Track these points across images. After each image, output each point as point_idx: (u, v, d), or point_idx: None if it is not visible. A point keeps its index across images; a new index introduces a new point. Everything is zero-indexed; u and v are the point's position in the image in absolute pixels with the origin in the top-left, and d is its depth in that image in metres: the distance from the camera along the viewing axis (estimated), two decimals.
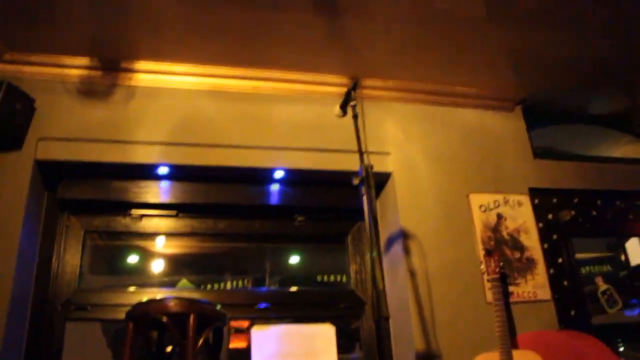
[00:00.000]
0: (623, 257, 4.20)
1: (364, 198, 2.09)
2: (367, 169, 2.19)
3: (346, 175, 2.48)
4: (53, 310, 3.07)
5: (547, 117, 4.32)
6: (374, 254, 2.01)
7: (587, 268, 4.82)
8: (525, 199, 3.73)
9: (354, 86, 2.42)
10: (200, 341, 2.35)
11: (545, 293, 3.50)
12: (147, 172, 3.31)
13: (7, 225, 2.89)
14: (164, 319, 2.31)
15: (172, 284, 3.88)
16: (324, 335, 3.15)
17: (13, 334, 2.81)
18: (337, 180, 3.31)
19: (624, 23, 3.36)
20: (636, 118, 4.55)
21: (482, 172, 3.72)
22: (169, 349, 2.64)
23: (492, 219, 3.58)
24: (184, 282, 3.99)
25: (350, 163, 2.68)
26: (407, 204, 3.43)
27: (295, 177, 3.49)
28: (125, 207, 3.38)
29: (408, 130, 3.70)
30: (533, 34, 3.39)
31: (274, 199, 3.48)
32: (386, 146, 3.59)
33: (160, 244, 3.75)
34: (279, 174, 3.43)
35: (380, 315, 1.84)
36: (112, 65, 3.34)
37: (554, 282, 3.58)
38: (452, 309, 3.21)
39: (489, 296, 3.20)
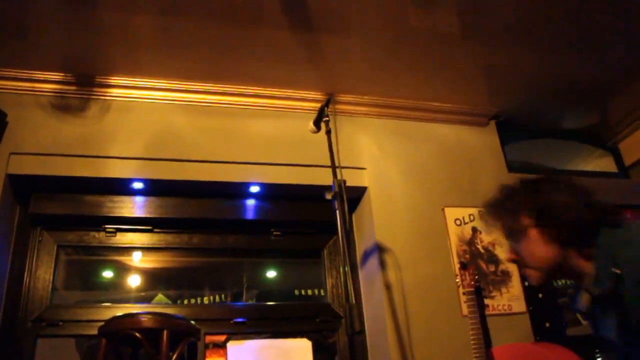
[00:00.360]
0: None
1: (337, 213, 2.09)
2: (340, 184, 2.20)
3: (322, 190, 2.48)
4: (23, 326, 3.02)
5: (521, 132, 4.39)
6: (346, 268, 2.01)
7: (563, 281, 4.88)
8: None
9: (327, 102, 2.45)
10: (174, 357, 2.33)
11: (520, 305, 3.53)
12: (121, 187, 3.29)
13: None
14: (137, 334, 2.29)
15: (148, 299, 3.84)
16: (300, 349, 3.14)
17: None
18: (313, 195, 3.31)
19: (595, 41, 3.44)
20: (606, 133, 4.65)
21: (457, 186, 3.75)
22: None
23: (467, 232, 3.61)
24: (160, 297, 3.95)
25: (325, 178, 2.70)
26: (383, 218, 3.45)
27: (270, 192, 3.49)
28: (99, 222, 3.34)
29: (383, 146, 3.73)
30: (507, 50, 3.45)
31: (250, 214, 3.47)
32: (361, 161, 3.61)
33: (135, 259, 3.72)
34: (254, 189, 3.43)
35: (352, 330, 1.85)
36: (86, 80, 3.32)
37: (529, 294, 3.61)
38: (428, 322, 3.22)
39: (465, 309, 3.22)
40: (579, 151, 4.74)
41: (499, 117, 4.16)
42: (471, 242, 3.59)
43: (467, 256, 3.50)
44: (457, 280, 3.27)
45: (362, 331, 1.91)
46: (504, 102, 4.03)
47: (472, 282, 3.13)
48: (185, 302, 3.81)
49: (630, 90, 4.07)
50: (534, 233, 1.64)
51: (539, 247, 1.63)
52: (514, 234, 1.70)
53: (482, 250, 3.59)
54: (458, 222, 3.62)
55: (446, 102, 3.94)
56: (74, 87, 3.31)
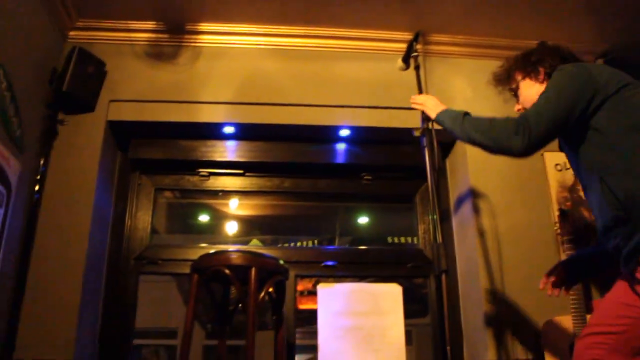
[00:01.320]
0: None
1: (425, 150, 2.01)
2: (428, 119, 2.11)
3: (412, 133, 2.41)
4: (127, 264, 3.21)
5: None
6: (434, 216, 1.94)
7: None
8: None
9: (416, 37, 2.34)
10: (262, 294, 2.38)
11: None
12: (213, 132, 3.36)
13: (83, 183, 3.01)
14: (227, 271, 2.36)
15: (243, 244, 3.96)
16: (390, 294, 3.11)
17: (91, 285, 2.95)
18: (404, 138, 3.22)
19: None
20: None
21: None
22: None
23: (569, 178, 3.40)
24: (255, 241, 4.05)
25: (417, 120, 2.60)
26: (478, 163, 3.31)
27: (360, 135, 3.43)
28: (193, 166, 3.45)
29: (478, 88, 3.54)
30: None
31: (340, 158, 3.45)
32: (455, 103, 3.43)
33: (229, 203, 3.82)
34: (344, 132, 3.39)
35: (439, 269, 1.79)
36: (177, 27, 3.39)
37: None
38: (522, 270, 3.08)
39: (564, 258, 3.05)
40: None
41: (608, 55, 3.82)
42: (573, 189, 3.37)
43: (568, 203, 3.30)
44: (556, 228, 3.09)
45: (448, 271, 1.83)
46: (613, 38, 3.69)
47: (573, 230, 2.94)
48: (279, 246, 3.89)
49: None
50: (524, 83, 2.15)
51: (530, 90, 2.12)
52: (514, 91, 2.22)
53: (584, 197, 3.37)
54: (559, 167, 3.41)
55: (547, 39, 3.66)
56: (166, 35, 3.39)
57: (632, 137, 1.72)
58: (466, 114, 2.09)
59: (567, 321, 2.70)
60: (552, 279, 2.19)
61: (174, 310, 5.99)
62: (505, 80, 2.25)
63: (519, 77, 2.17)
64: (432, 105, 2.14)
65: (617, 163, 1.71)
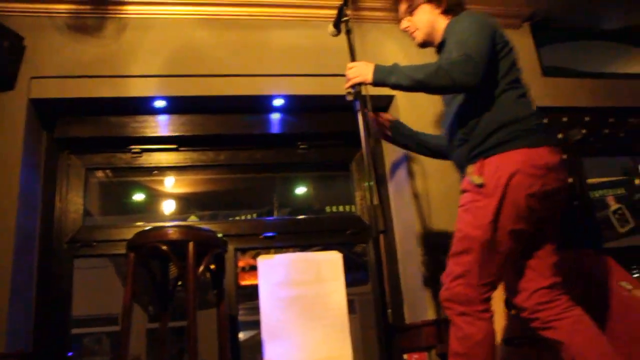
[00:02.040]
0: (638, 181, 4.11)
1: (359, 114, 2.01)
2: (360, 84, 2.10)
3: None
4: (60, 248, 3.09)
5: (557, 34, 4.15)
6: (371, 183, 1.96)
7: (602, 192, 4.75)
8: None
9: (346, 2, 2.32)
10: (201, 268, 2.34)
11: None
12: (144, 106, 3.26)
13: (6, 167, 2.87)
14: (163, 247, 2.31)
15: (181, 221, 3.90)
16: (331, 262, 3.13)
17: (22, 273, 2.83)
18: (339, 105, 3.20)
19: None
20: None
21: None
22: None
23: None
24: (193, 217, 4.00)
25: None
26: (411, 126, 3.34)
27: (295, 104, 3.41)
28: (125, 142, 3.34)
29: (410, 52, 3.54)
30: None
31: (275, 128, 3.42)
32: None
33: (166, 182, 3.74)
34: (278, 102, 3.36)
35: (377, 230, 1.80)
36: None
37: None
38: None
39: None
40: (621, 53, 4.48)
41: (534, 18, 3.92)
42: None
43: None
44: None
45: (386, 231, 1.85)
46: (538, 2, 3.79)
47: None
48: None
49: None
50: (425, 6, 2.30)
51: (427, 16, 2.31)
52: (411, 8, 2.34)
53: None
54: None
55: (476, 4, 3.71)
56: (89, 7, 3.23)
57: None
58: (396, 65, 2.16)
59: None
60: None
61: (114, 296, 5.86)
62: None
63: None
64: (365, 71, 2.14)
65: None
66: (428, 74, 2.03)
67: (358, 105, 2.06)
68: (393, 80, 2.08)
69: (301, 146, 3.54)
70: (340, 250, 3.18)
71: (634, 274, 4.58)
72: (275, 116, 3.45)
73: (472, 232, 1.97)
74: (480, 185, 1.97)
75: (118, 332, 6.14)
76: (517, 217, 1.96)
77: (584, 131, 3.74)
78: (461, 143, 2.13)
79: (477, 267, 1.96)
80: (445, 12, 2.30)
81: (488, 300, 1.98)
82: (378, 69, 2.10)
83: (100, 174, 3.59)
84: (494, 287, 2.00)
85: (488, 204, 1.95)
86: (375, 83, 2.11)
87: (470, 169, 2.03)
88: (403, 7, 2.38)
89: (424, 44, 2.40)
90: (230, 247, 3.03)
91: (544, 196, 1.98)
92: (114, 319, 6.17)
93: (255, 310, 3.11)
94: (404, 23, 2.38)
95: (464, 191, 2.07)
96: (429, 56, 3.54)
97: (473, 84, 2.02)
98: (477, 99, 2.10)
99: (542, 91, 3.72)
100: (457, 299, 1.96)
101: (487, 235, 1.95)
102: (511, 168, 1.95)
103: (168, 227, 2.39)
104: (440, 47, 2.33)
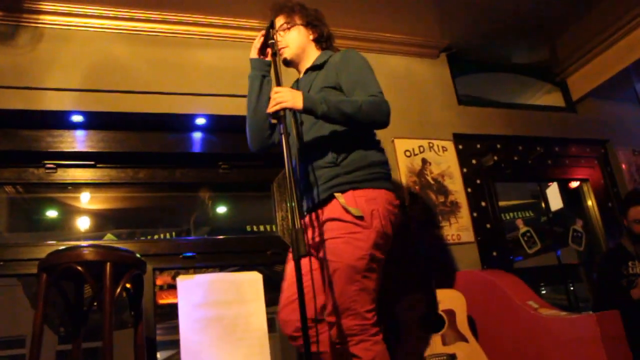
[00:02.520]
0: (543, 204, 4.36)
1: (282, 138, 2.02)
2: (285, 108, 2.12)
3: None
4: None
5: (472, 65, 4.38)
6: (293, 203, 1.97)
7: (512, 214, 5.01)
8: (450, 145, 3.80)
9: (272, 24, 2.34)
10: (118, 290, 2.27)
11: (468, 235, 3.61)
12: (60, 121, 3.14)
13: None
14: (79, 267, 2.22)
15: (97, 239, 3.76)
16: (251, 282, 3.11)
17: None
18: None
19: None
20: (555, 68, 4.69)
21: (408, 117, 3.74)
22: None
23: (417, 164, 3.63)
24: (109, 236, 3.86)
25: None
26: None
27: (217, 124, 3.39)
28: (38, 157, 3.18)
29: None
30: None
31: (196, 147, 3.38)
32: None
33: (80, 196, 3.60)
34: (200, 121, 3.34)
35: (298, 254, 1.82)
36: (14, 5, 3.10)
37: (477, 225, 3.69)
38: None
39: None
40: (528, 85, 4.78)
41: (450, 50, 4.13)
42: (421, 174, 3.61)
43: (417, 187, 3.52)
44: (407, 210, 3.28)
45: (306, 256, 1.87)
46: (454, 35, 4.00)
47: (422, 212, 3.15)
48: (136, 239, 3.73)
49: (579, 25, 4.10)
50: (301, 28, 2.45)
51: (301, 38, 2.44)
52: (288, 25, 2.44)
53: (431, 182, 3.61)
54: (408, 154, 3.62)
55: (396, 33, 3.88)
56: (1, 13, 3.09)
57: None
58: (324, 95, 2.21)
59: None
60: None
61: (20, 316, 5.52)
62: (287, 12, 2.47)
63: (299, 21, 2.45)
64: (295, 97, 2.14)
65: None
66: (355, 110, 2.12)
67: (281, 128, 2.07)
68: (322, 109, 2.11)
69: (222, 166, 3.51)
70: (260, 270, 3.17)
71: (543, 291, 4.84)
72: (197, 135, 3.42)
73: (355, 264, 2.06)
74: (360, 218, 2.08)
75: (24, 355, 5.80)
76: (385, 247, 2.16)
77: (495, 158, 3.95)
78: (329, 165, 2.21)
79: (364, 295, 2.06)
80: (316, 41, 2.48)
81: (378, 322, 2.08)
82: (307, 97, 2.13)
83: (9, 189, 3.41)
84: (376, 310, 2.11)
85: (368, 236, 2.09)
86: (305, 110, 2.12)
87: (342, 198, 2.12)
88: (280, 20, 2.46)
89: (288, 63, 2.49)
90: (149, 267, 2.95)
91: (397, 231, 2.21)
92: (20, 341, 5.82)
93: (174, 329, 3.04)
94: (277, 36, 2.39)
95: (336, 219, 2.13)
96: None
97: (387, 124, 2.25)
98: (353, 131, 2.24)
99: (457, 119, 3.91)
100: (352, 332, 2.03)
101: (367, 266, 2.07)
102: (381, 203, 2.15)
103: (83, 246, 2.29)
104: (307, 71, 2.45)
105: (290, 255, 2.26)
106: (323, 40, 2.49)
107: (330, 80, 2.31)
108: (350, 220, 2.09)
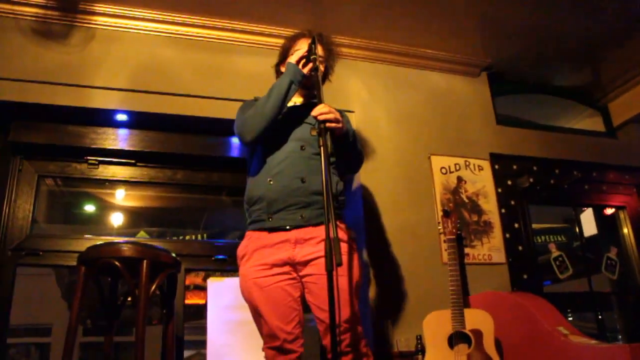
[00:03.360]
0: (577, 229, 4.30)
1: (321, 149, 2.04)
2: (321, 122, 2.14)
3: None
4: (3, 255, 2.99)
5: (512, 85, 4.36)
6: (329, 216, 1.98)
7: (544, 238, 4.94)
8: (486, 164, 3.78)
9: (314, 40, 2.37)
10: (153, 287, 2.32)
11: (500, 256, 3.57)
12: (105, 119, 3.22)
13: None
14: (117, 263, 2.28)
15: (130, 236, 3.83)
16: None
17: None
18: None
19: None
20: (597, 92, 4.63)
21: (445, 135, 3.74)
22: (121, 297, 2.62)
23: (452, 181, 3.62)
24: (142, 233, 3.94)
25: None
26: (369, 162, 3.42)
27: None
28: (81, 153, 3.28)
29: (373, 90, 3.68)
30: (503, 1, 3.39)
31: (234, 151, 3.43)
32: (350, 104, 3.57)
33: (118, 193, 3.68)
34: None
35: (331, 265, 1.83)
36: (69, 5, 3.19)
37: (509, 246, 3.65)
38: (408, 267, 3.25)
39: (445, 257, 3.24)
40: (569, 109, 4.73)
41: (491, 69, 4.11)
42: (455, 191, 3.60)
43: (451, 204, 3.51)
44: (439, 227, 3.27)
45: (340, 264, 1.88)
46: (497, 54, 3.98)
47: (454, 230, 3.13)
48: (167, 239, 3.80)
49: (623, 51, 4.04)
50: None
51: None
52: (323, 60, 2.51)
53: (465, 200, 3.60)
54: (444, 171, 3.61)
55: (439, 50, 3.88)
56: (57, 13, 3.19)
57: None
58: None
59: (447, 315, 2.86)
60: None
61: (46, 305, 5.61)
62: (325, 47, 2.55)
63: (325, 62, 2.54)
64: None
65: None
66: (360, 149, 2.45)
67: (320, 140, 2.08)
68: (352, 132, 2.38)
69: None
70: None
71: (569, 317, 4.77)
72: (235, 140, 3.45)
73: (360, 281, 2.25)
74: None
75: (48, 344, 5.88)
76: None
77: (531, 180, 3.91)
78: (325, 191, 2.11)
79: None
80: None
81: None
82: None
83: (50, 181, 3.51)
84: None
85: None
86: (345, 131, 2.27)
87: (342, 224, 2.27)
88: (324, 55, 2.55)
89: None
90: (181, 265, 3.00)
91: None
92: (45, 330, 5.92)
93: (198, 329, 3.08)
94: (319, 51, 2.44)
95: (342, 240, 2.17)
96: (392, 91, 3.68)
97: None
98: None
99: (494, 138, 3.89)
100: (365, 341, 2.20)
101: None
102: None
103: (122, 243, 2.36)
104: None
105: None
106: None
107: None
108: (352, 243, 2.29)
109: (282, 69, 2.52)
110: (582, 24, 3.66)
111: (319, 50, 2.43)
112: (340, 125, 2.18)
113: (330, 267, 1.83)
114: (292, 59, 2.42)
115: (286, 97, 2.35)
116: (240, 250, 2.31)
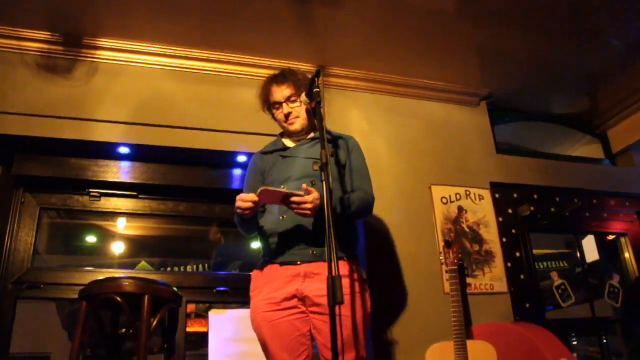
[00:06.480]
0: (579, 255, 4.29)
1: (323, 184, 2.06)
2: (326, 155, 2.16)
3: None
4: (3, 288, 2.98)
5: (511, 114, 4.39)
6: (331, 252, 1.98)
7: (545, 264, 4.93)
8: (487, 193, 3.79)
9: (317, 73, 2.40)
10: (155, 322, 2.32)
11: (502, 285, 3.56)
12: (107, 151, 3.25)
13: None
14: (118, 298, 2.28)
15: (131, 266, 3.83)
16: None
17: None
18: None
19: (589, 27, 3.44)
20: (596, 120, 4.66)
21: (445, 164, 3.76)
22: (123, 330, 2.61)
23: (453, 211, 3.62)
24: (143, 264, 3.93)
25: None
26: None
27: None
28: (83, 185, 3.30)
29: (373, 120, 3.72)
30: (500, 32, 3.45)
31: (237, 183, 3.44)
32: (350, 134, 3.54)
33: (120, 224, 3.69)
34: (241, 158, 3.40)
35: (334, 301, 1.83)
36: (73, 40, 3.26)
37: (511, 275, 3.65)
38: (410, 297, 3.24)
39: (447, 287, 3.24)
40: (568, 136, 4.76)
41: (490, 98, 4.15)
42: (456, 221, 3.60)
43: (452, 234, 3.52)
44: (441, 258, 3.27)
45: (342, 302, 1.88)
46: (495, 84, 4.02)
47: (455, 260, 3.13)
48: (169, 269, 3.79)
49: (621, 78, 4.08)
50: (302, 106, 2.49)
51: (304, 108, 2.50)
52: (295, 97, 2.49)
53: (466, 230, 3.60)
54: (444, 200, 3.62)
55: (438, 80, 3.92)
56: (61, 48, 3.25)
57: None
58: None
59: (449, 346, 2.85)
60: None
61: (47, 334, 5.57)
62: (299, 88, 2.48)
63: (305, 99, 2.37)
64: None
65: None
66: (362, 207, 2.37)
67: (322, 175, 2.09)
68: (340, 208, 2.33)
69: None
70: None
71: (573, 341, 4.73)
72: (237, 172, 3.48)
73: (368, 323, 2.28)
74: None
75: None
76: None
77: (532, 208, 3.92)
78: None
79: None
80: (312, 111, 2.44)
81: None
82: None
83: (52, 213, 3.52)
84: None
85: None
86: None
87: (349, 262, 2.26)
88: (287, 92, 2.50)
89: (298, 132, 2.56)
90: (182, 299, 3.00)
91: None
92: (44, 359, 5.87)
93: (199, 357, 3.07)
94: (286, 107, 2.50)
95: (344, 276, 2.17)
96: (392, 122, 3.71)
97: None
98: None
99: (494, 167, 3.91)
100: None
101: None
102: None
103: (123, 278, 2.36)
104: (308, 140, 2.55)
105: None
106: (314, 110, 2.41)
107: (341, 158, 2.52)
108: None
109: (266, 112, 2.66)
110: (580, 53, 3.70)
111: (286, 91, 2.50)
112: (309, 213, 2.14)
113: (332, 304, 1.84)
114: (237, 203, 2.37)
115: (246, 226, 2.43)
116: (252, 283, 2.35)
